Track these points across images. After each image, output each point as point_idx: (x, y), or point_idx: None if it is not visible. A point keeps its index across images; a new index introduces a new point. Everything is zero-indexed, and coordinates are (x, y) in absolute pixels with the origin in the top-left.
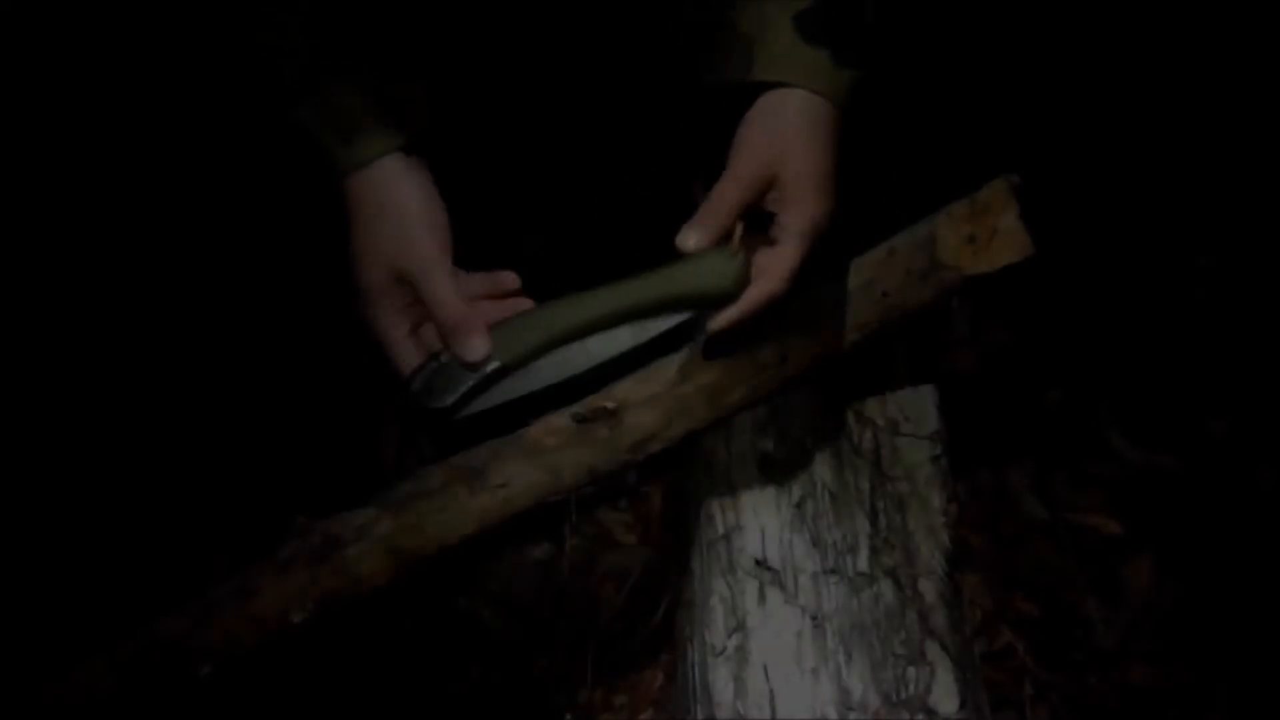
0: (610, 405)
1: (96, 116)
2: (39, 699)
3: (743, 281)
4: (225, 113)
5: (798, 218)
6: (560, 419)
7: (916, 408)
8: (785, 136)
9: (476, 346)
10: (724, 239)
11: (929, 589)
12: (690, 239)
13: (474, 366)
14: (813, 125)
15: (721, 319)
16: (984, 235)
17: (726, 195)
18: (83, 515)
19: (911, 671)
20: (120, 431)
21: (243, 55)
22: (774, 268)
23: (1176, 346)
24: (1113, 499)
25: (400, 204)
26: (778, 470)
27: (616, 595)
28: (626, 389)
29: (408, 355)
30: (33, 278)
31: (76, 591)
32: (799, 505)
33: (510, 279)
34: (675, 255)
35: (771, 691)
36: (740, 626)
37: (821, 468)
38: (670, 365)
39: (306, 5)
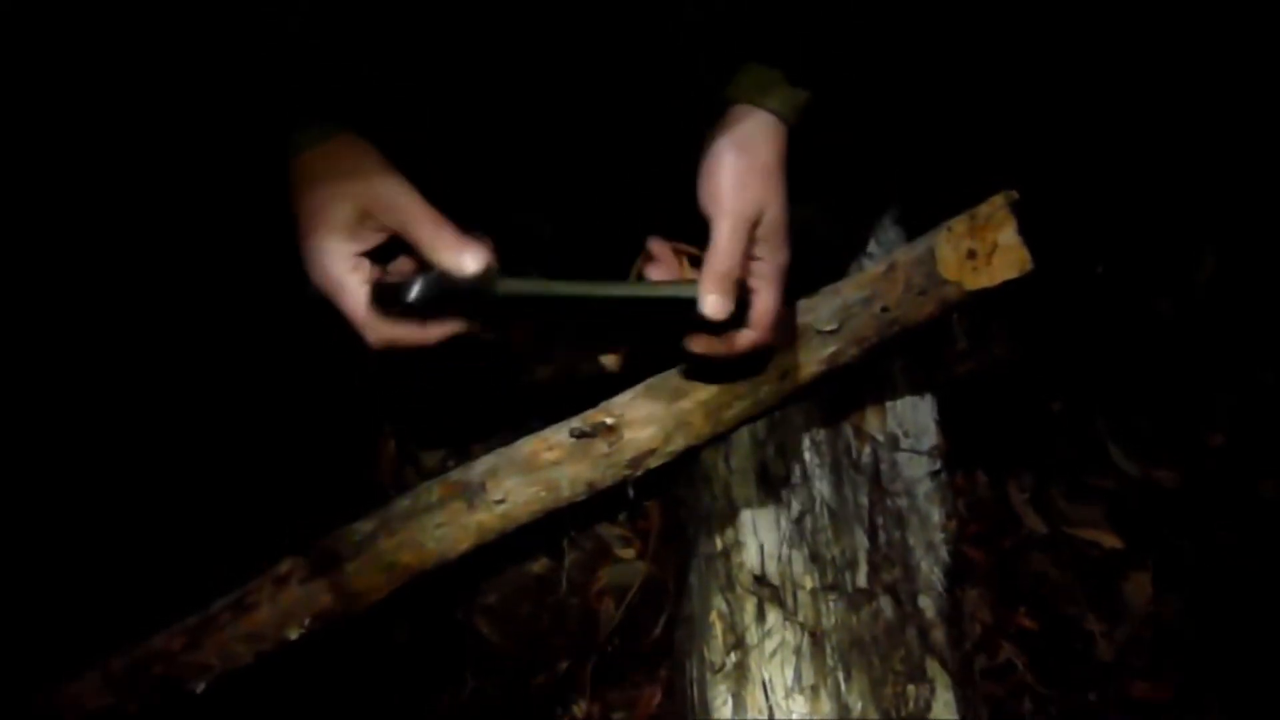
0: (609, 420)
1: (92, 119)
2: (33, 712)
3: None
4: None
5: (775, 266)
6: (558, 434)
7: (916, 422)
8: (768, 178)
9: (474, 255)
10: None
11: (928, 605)
12: (719, 308)
13: (467, 280)
14: (781, 160)
15: (701, 346)
16: (984, 251)
17: (733, 252)
18: (80, 530)
19: (911, 689)
20: (118, 445)
21: (234, 34)
22: (759, 319)
23: (1175, 360)
24: (1112, 513)
25: (363, 159)
26: (777, 486)
27: (615, 610)
28: (625, 404)
29: (364, 304)
30: (34, 292)
31: (72, 605)
32: (798, 521)
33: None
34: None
35: (770, 709)
36: (739, 643)
37: (820, 483)
38: (669, 380)
39: (306, 4)
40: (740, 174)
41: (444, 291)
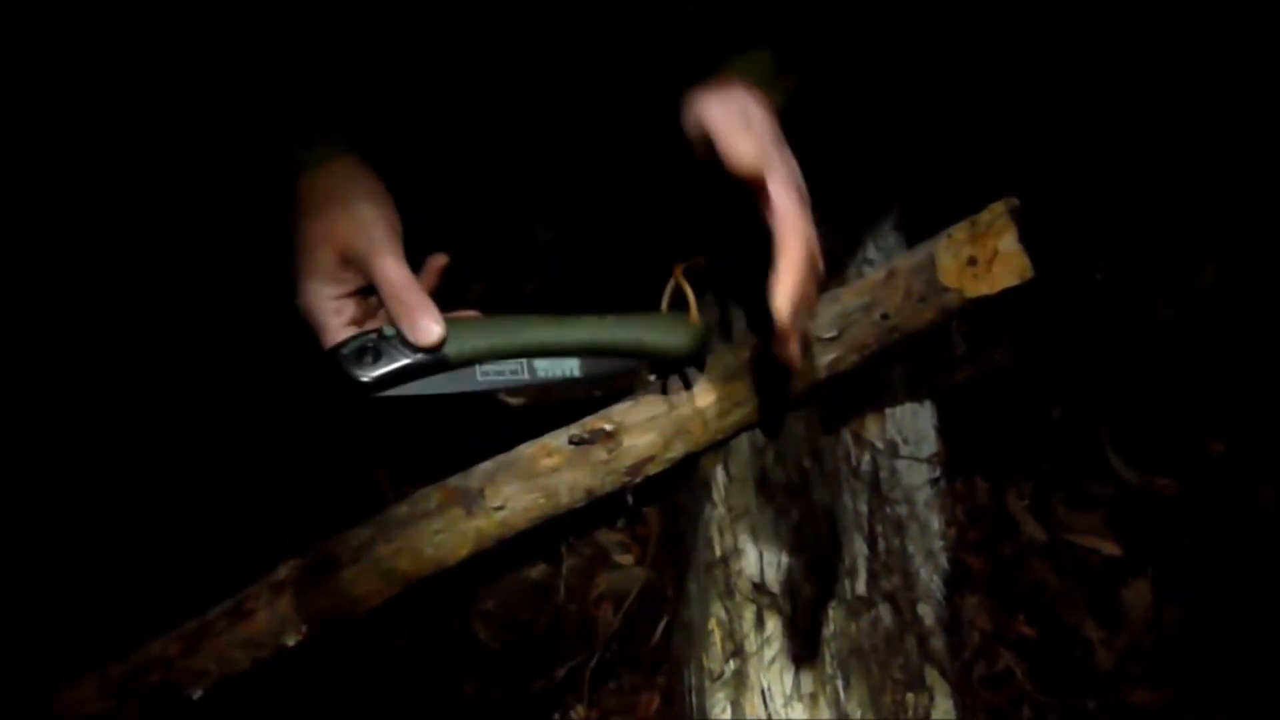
0: (608, 427)
1: (93, 122)
2: (32, 717)
3: (702, 344)
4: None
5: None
6: (558, 440)
7: (915, 430)
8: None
9: (430, 328)
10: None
11: (928, 613)
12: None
13: (420, 349)
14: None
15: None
16: (984, 258)
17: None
18: (79, 537)
19: (910, 697)
20: (116, 452)
21: (234, 57)
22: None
23: (1175, 367)
24: (1112, 520)
25: (353, 194)
26: (776, 493)
27: (613, 616)
28: (625, 410)
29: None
30: (38, 298)
31: (71, 612)
32: (797, 528)
33: (439, 259)
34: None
35: (769, 717)
36: (738, 651)
37: (820, 491)
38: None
39: (307, 5)
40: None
41: (395, 374)
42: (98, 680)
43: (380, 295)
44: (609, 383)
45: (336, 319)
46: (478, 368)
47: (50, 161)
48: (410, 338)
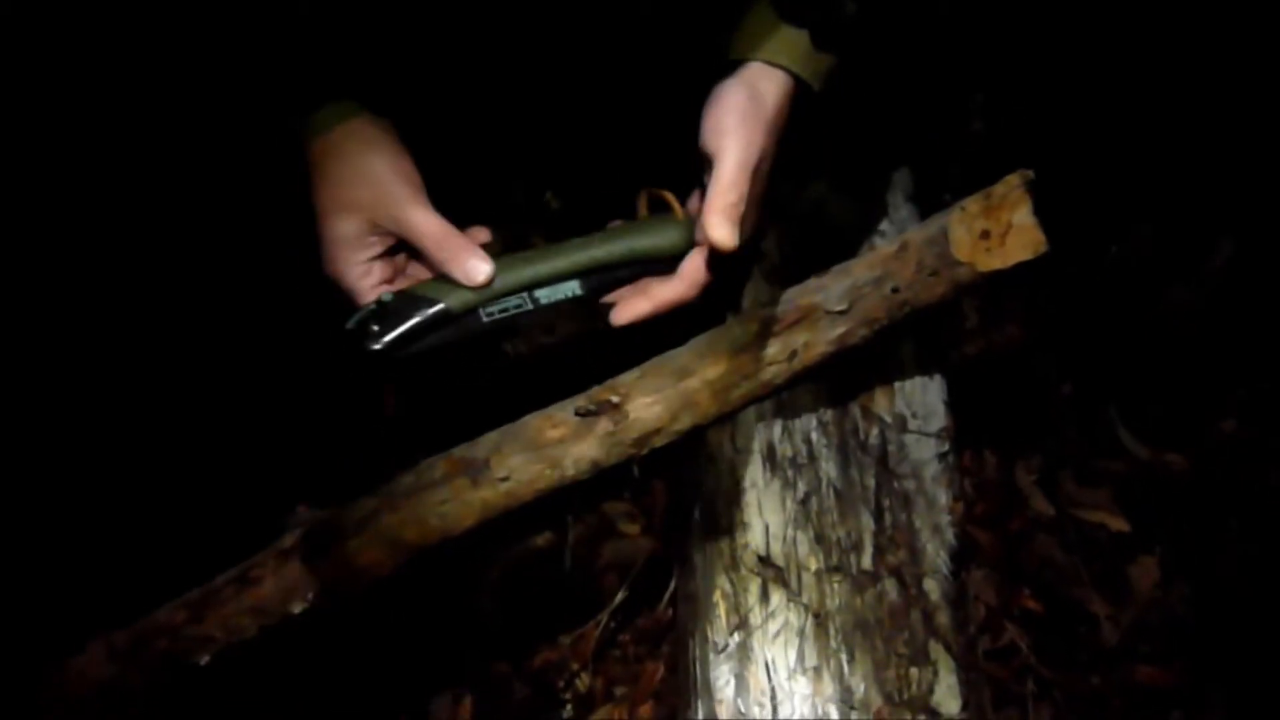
0: (614, 398)
1: (93, 115)
2: (39, 685)
3: (690, 242)
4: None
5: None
6: (564, 411)
7: (924, 404)
8: (771, 132)
9: (479, 267)
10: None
11: (933, 588)
12: (729, 238)
13: (472, 289)
14: (783, 120)
15: (627, 313)
16: (997, 231)
17: (740, 184)
18: (85, 505)
19: (914, 671)
20: (122, 422)
21: (234, 31)
22: (691, 273)
23: (1187, 345)
24: (1121, 497)
25: (367, 156)
26: (783, 466)
27: (618, 586)
28: (631, 382)
29: None
30: (34, 277)
31: (78, 581)
32: (803, 502)
33: (483, 232)
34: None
35: (773, 689)
36: (743, 623)
37: (827, 464)
38: (675, 359)
39: None
40: (749, 116)
41: (403, 337)
42: (104, 647)
43: (420, 250)
44: (612, 290)
45: (366, 281)
46: (481, 310)
47: (58, 136)
48: (462, 281)
